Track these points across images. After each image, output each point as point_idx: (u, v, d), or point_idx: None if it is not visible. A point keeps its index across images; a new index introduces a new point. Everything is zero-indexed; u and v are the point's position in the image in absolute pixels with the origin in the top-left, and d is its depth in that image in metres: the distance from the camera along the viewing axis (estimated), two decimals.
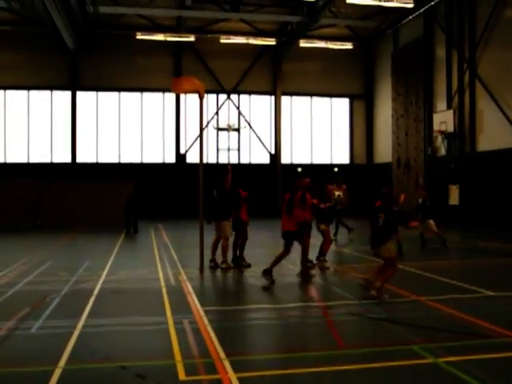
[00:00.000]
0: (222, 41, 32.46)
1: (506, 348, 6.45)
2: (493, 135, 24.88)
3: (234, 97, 35.09)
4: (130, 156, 33.75)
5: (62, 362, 6.05)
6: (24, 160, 32.43)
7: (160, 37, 31.71)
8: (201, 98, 12.68)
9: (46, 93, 32.96)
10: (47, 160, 32.72)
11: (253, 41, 32.90)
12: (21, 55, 32.03)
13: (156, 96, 34.10)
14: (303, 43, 32.74)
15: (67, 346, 6.63)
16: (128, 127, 33.83)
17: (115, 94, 33.69)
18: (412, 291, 9.75)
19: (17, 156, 32.43)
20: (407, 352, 6.32)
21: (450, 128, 27.08)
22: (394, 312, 8.28)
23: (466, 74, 26.60)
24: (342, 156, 36.76)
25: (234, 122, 34.86)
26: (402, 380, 5.52)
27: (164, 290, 10.15)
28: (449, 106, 27.73)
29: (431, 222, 16.31)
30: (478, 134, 26.10)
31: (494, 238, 18.55)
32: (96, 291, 10.06)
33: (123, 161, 33.58)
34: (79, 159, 33.12)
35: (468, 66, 26.33)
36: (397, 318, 7.93)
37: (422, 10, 28.04)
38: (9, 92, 32.59)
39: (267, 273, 10.45)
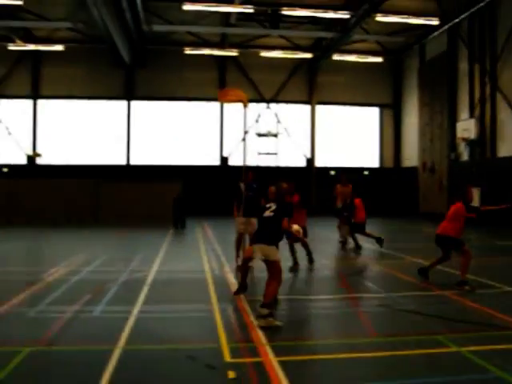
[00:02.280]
0: (262, 55, 32.55)
1: None
2: None
3: (273, 106, 35.13)
4: (179, 159, 34.02)
5: (122, 343, 6.18)
6: (86, 162, 32.79)
7: (206, 51, 31.99)
8: (245, 107, 12.74)
9: (106, 102, 33.56)
10: (106, 162, 33.09)
11: (290, 55, 32.95)
12: (83, 69, 32.60)
13: (202, 105, 34.34)
14: (336, 57, 32.58)
15: (125, 329, 6.77)
16: (175, 132, 34.09)
17: (166, 103, 34.07)
18: (437, 286, 9.65)
19: (78, 158, 32.82)
20: (433, 342, 6.26)
21: (472, 135, 26.61)
22: (420, 305, 8.20)
23: (487, 86, 26.07)
24: (372, 160, 36.43)
25: (272, 129, 34.88)
26: (427, 367, 5.47)
27: (210, 281, 10.24)
28: (471, 115, 27.22)
29: None
30: (498, 141, 25.56)
31: None
32: (149, 280, 10.19)
33: (172, 163, 33.88)
34: (133, 161, 33.61)
35: (489, 79, 25.81)
36: (423, 310, 7.85)
37: (447, 26, 27.56)
38: (67, 101, 33.16)
39: (423, 272, 10.30)
